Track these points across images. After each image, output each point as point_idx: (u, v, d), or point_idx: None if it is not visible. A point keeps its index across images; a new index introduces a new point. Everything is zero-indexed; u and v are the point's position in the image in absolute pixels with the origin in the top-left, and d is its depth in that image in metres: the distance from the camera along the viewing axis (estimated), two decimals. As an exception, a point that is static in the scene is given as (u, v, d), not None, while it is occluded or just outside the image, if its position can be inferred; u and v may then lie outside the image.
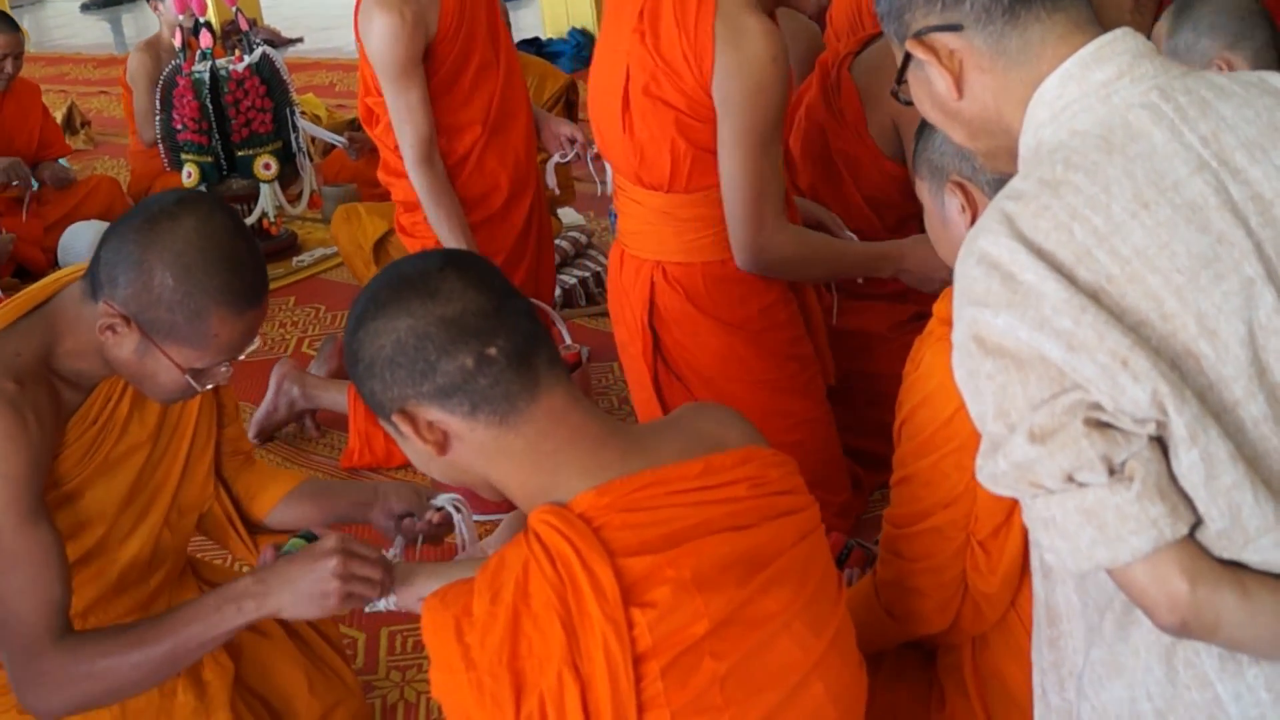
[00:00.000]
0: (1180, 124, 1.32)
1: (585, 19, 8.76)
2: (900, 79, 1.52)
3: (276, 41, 9.79)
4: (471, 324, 1.46)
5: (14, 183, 5.20)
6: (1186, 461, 1.24)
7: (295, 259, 5.29)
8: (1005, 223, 1.29)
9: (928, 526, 1.95)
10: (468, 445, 1.50)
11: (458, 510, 2.00)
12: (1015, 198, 1.31)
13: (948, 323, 1.82)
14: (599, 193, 3.69)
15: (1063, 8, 1.40)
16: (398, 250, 4.43)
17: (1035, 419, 1.25)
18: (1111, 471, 1.24)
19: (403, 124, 3.30)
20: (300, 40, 10.73)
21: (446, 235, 3.38)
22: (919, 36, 1.44)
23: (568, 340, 3.31)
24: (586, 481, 1.49)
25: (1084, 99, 1.36)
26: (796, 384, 2.86)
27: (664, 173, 2.74)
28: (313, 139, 5.54)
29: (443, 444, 1.50)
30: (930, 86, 1.47)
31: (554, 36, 8.99)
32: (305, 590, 1.79)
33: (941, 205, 1.89)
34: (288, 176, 5.04)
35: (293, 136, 4.99)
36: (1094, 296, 1.24)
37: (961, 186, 1.83)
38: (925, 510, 1.95)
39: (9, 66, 5.21)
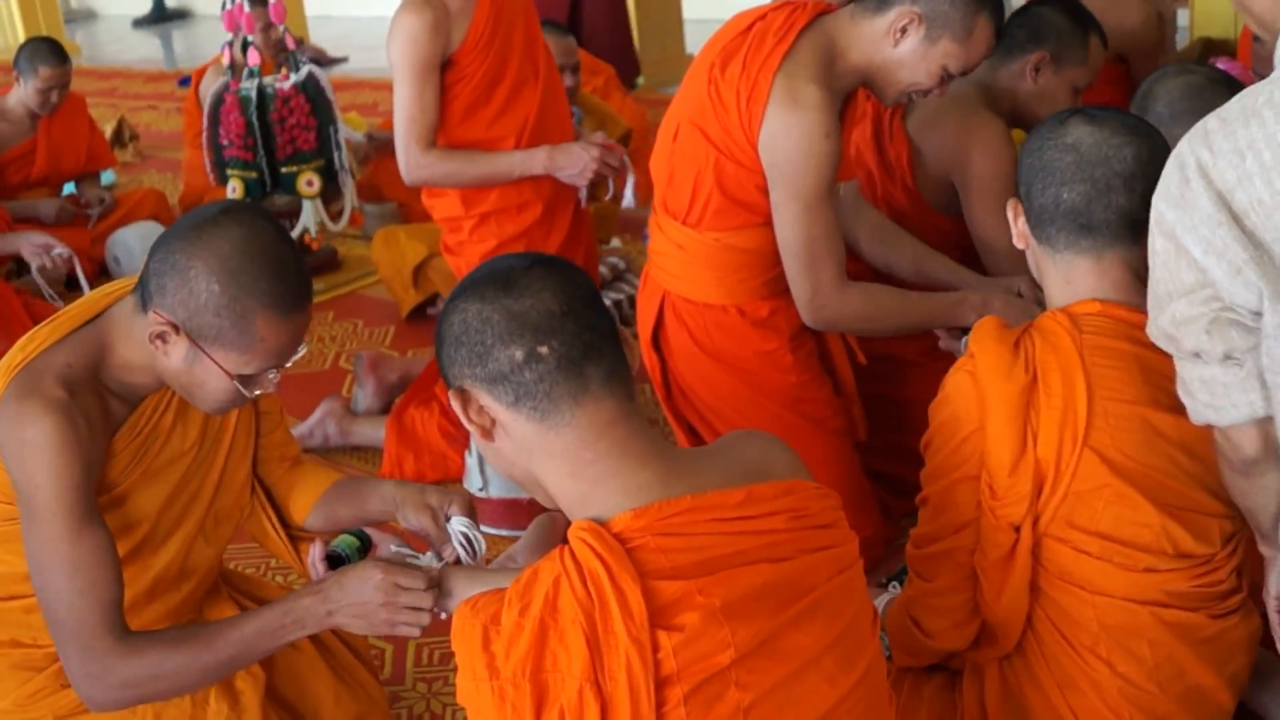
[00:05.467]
0: None
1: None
2: None
3: (322, 60, 9.89)
4: (532, 320, 1.51)
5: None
6: (1264, 347, 1.56)
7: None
8: (1204, 137, 1.60)
9: (939, 550, 2.01)
10: (512, 436, 1.56)
11: (465, 547, 2.03)
12: (1220, 118, 1.60)
13: (974, 358, 1.90)
14: (623, 203, 3.68)
15: None
16: (438, 274, 4.49)
17: (1177, 307, 1.61)
18: (1228, 356, 1.58)
19: (412, 111, 3.29)
20: (345, 59, 10.84)
21: (481, 173, 3.37)
22: None
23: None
24: (627, 501, 1.51)
25: None
26: (806, 426, 2.85)
27: (683, 203, 2.79)
28: (353, 152, 5.59)
29: (488, 430, 1.57)
30: None
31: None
32: (362, 614, 1.91)
33: None
34: (330, 193, 5.09)
35: (335, 154, 5.05)
36: (1242, 215, 1.54)
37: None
38: (936, 533, 2.01)
39: (54, 97, 5.34)
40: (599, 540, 1.47)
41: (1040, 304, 2.60)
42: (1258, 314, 1.56)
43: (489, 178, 3.37)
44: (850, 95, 2.75)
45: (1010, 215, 2.08)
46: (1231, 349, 1.58)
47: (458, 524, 2.05)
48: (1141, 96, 2.63)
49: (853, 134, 3.15)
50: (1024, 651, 2.04)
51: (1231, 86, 2.55)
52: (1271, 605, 1.87)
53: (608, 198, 3.53)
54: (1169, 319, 1.62)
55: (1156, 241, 1.64)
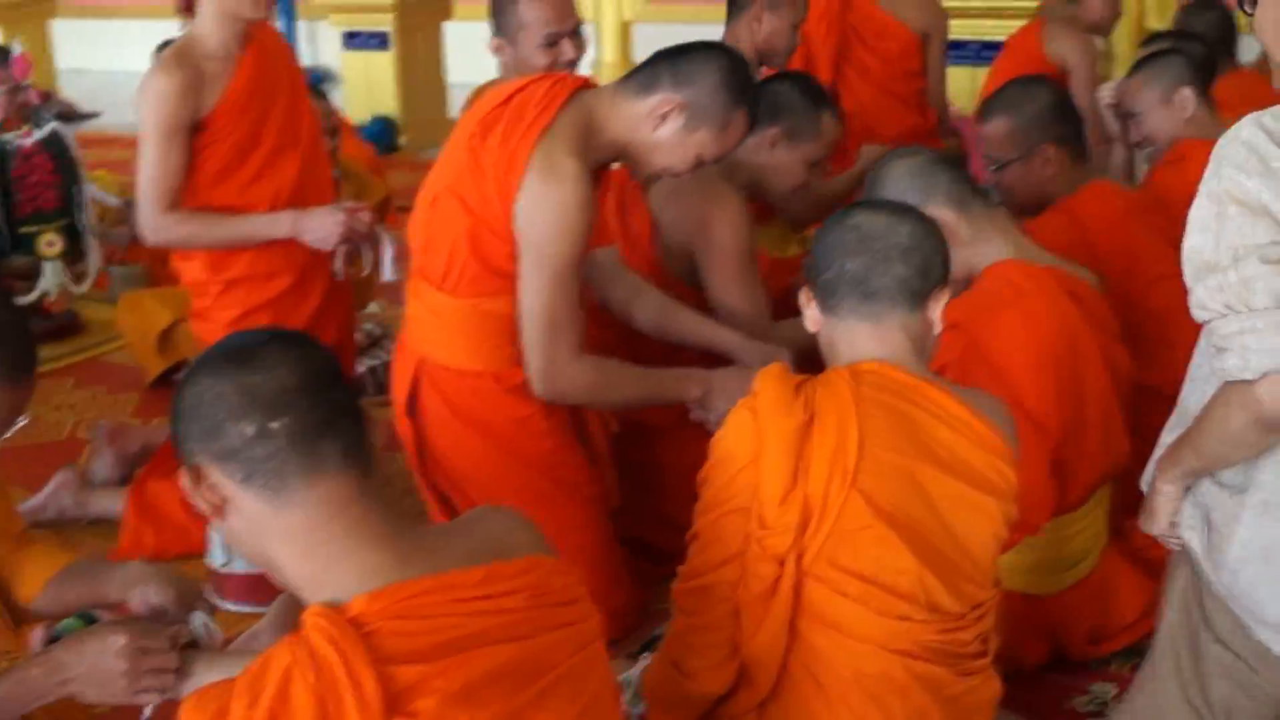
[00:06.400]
0: None
1: (388, 106, 8.73)
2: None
3: (72, 115, 9.52)
4: (264, 396, 1.48)
5: None
6: None
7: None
8: (1263, 131, 1.81)
9: (701, 584, 2.07)
10: (243, 515, 1.52)
11: (205, 628, 1.97)
12: (1275, 117, 1.82)
13: (757, 396, 2.02)
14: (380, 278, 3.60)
15: None
16: (186, 340, 4.32)
17: (1268, 251, 1.76)
18: None
19: (155, 172, 3.21)
20: (98, 114, 10.46)
21: (223, 236, 3.30)
22: None
23: None
24: (363, 583, 1.48)
25: None
26: (559, 493, 2.86)
27: (439, 269, 2.78)
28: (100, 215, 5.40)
29: (220, 508, 1.53)
30: None
31: (356, 122, 8.91)
32: (101, 682, 1.79)
33: None
34: (74, 254, 4.92)
35: (79, 214, 4.89)
36: None
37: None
38: (701, 567, 2.07)
39: None
40: (333, 625, 1.43)
41: None
42: None
43: (231, 241, 3.29)
44: (604, 166, 2.78)
45: (802, 302, 2.17)
46: None
47: (198, 617, 1.98)
48: (871, 181, 2.78)
49: (602, 203, 3.20)
50: (781, 699, 2.07)
51: (950, 165, 2.77)
52: (1161, 531, 2.11)
53: (365, 273, 3.46)
54: (1251, 270, 1.76)
55: (1229, 208, 1.80)
